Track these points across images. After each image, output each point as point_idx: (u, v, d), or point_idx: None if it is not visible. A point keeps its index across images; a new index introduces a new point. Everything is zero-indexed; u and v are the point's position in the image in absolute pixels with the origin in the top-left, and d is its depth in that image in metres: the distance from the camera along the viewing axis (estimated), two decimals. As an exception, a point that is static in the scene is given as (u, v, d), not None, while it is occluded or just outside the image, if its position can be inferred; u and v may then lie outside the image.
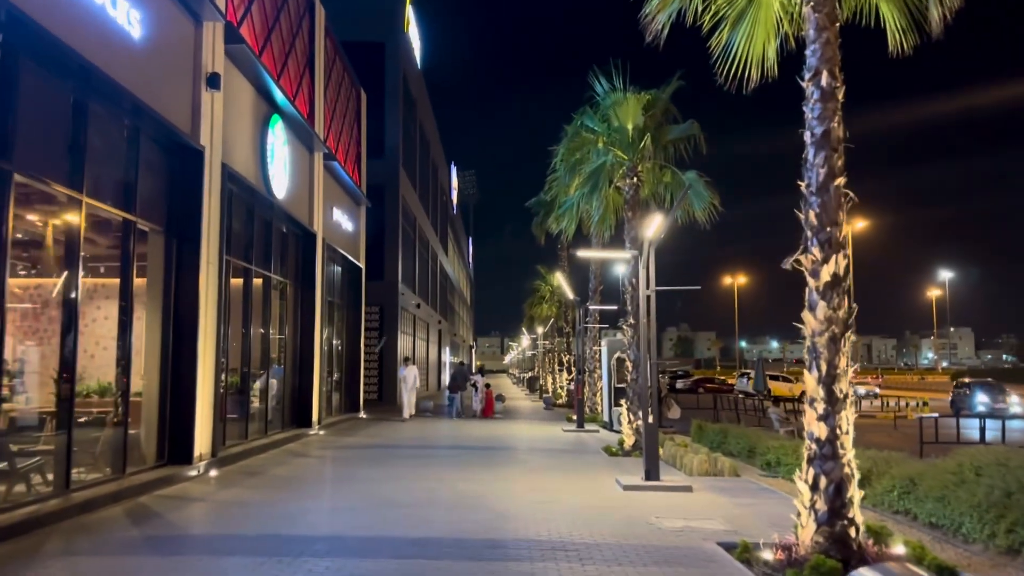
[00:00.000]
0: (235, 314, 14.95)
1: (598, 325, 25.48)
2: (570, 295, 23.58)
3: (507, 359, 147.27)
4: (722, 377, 75.72)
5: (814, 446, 7.30)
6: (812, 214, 7.40)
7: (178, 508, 9.22)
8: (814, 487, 7.23)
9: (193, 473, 11.70)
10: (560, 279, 23.24)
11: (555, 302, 45.51)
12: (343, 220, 22.98)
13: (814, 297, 7.38)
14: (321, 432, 19.11)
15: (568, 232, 16.99)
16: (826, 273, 7.31)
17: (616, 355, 21.18)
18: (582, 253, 14.07)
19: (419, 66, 42.92)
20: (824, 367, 7.27)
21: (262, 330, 16.53)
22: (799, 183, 7.56)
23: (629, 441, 15.76)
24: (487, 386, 28.79)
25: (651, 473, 11.16)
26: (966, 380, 40.57)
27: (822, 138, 7.42)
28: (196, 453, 12.02)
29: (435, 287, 51.91)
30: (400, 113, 35.06)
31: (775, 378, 53.82)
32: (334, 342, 23.04)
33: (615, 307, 23.11)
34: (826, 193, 7.37)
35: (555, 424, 23.55)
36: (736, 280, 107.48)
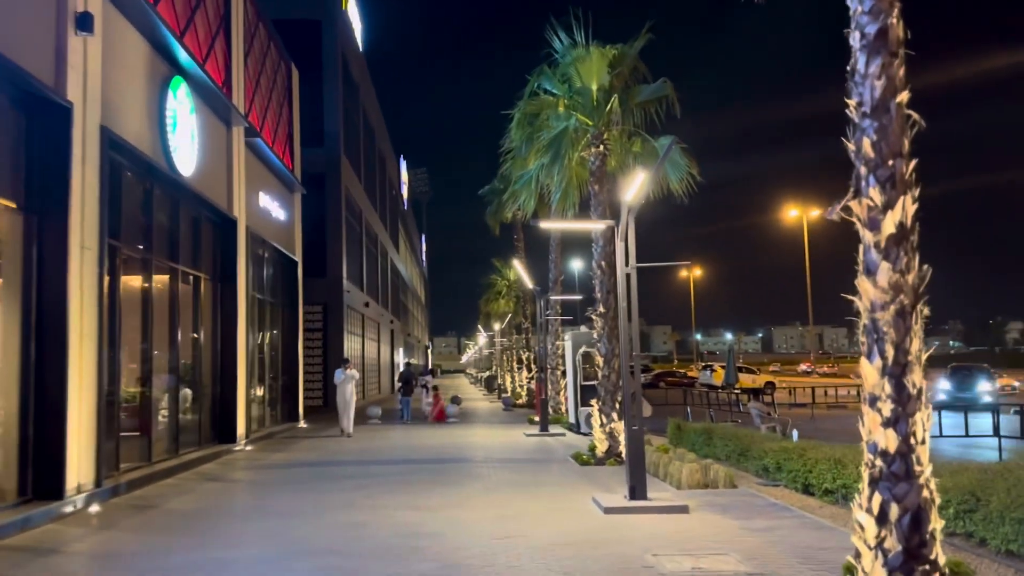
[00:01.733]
0: (131, 313, 12.49)
1: (559, 317, 23.41)
2: (529, 284, 21.50)
3: (464, 358, 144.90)
4: (683, 370, 74.50)
5: (879, 462, 5.26)
6: (867, 143, 5.37)
7: (17, 567, 6.83)
8: (881, 519, 5.19)
9: (67, 510, 9.30)
10: (517, 267, 21.14)
11: (512, 297, 43.39)
12: (273, 208, 20.52)
13: (873, 257, 5.36)
14: (248, 448, 16.68)
15: (527, 210, 14.84)
16: (890, 223, 5.29)
17: (582, 350, 19.12)
18: (546, 224, 11.91)
19: (360, 48, 40.40)
20: (890, 352, 5.24)
21: (170, 332, 14.05)
22: (847, 103, 5.54)
23: (602, 447, 13.70)
24: (435, 388, 26.53)
25: (637, 491, 9.07)
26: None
27: (877, 39, 5.39)
28: (71, 484, 9.60)
29: (386, 285, 49.40)
30: (340, 96, 32.57)
31: (739, 370, 52.50)
32: (265, 345, 20.57)
33: (579, 297, 21.10)
34: (885, 113, 5.35)
35: (516, 427, 21.42)
36: (692, 272, 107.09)
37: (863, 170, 5.41)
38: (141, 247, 12.80)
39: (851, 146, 5.50)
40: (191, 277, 15.25)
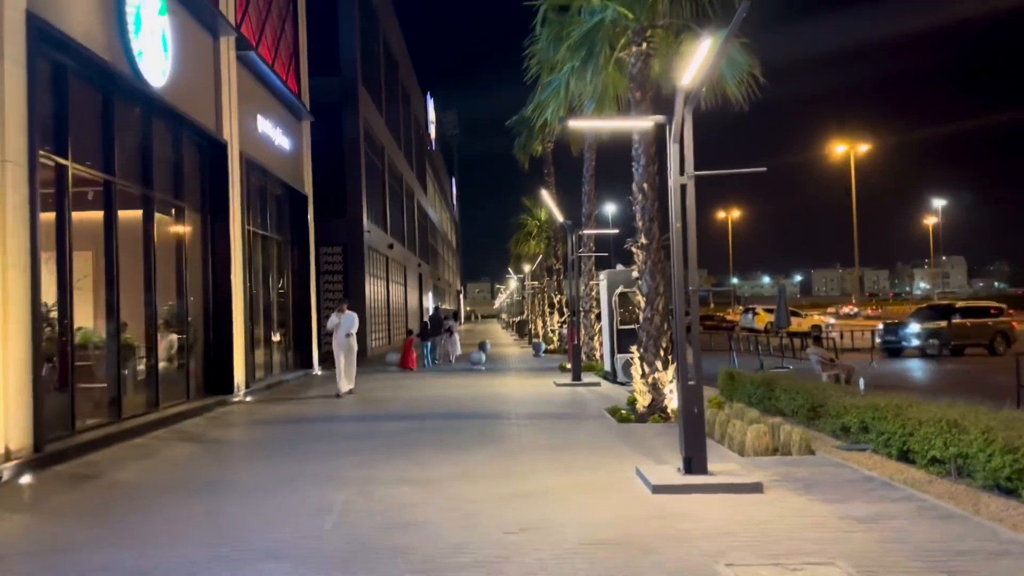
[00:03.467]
0: (90, 246, 10.66)
1: (594, 253, 21.25)
2: (559, 217, 19.34)
3: (497, 304, 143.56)
4: (721, 314, 71.92)
5: None
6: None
7: None
8: None
9: (-7, 480, 7.60)
10: (546, 199, 18.97)
11: (543, 238, 41.13)
12: (276, 136, 18.49)
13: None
14: (248, 399, 14.99)
15: (554, 123, 12.60)
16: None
17: (619, 290, 17.01)
18: (577, 123, 9.64)
19: (379, -28, 37.67)
20: None
21: (145, 269, 12.23)
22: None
23: (643, 400, 11.68)
24: (410, 332, 24.79)
25: (694, 463, 7.04)
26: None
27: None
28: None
29: (412, 227, 47.46)
30: (357, 21, 30.14)
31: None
32: (271, 286, 18.77)
33: (615, 231, 18.91)
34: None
35: (546, 376, 19.51)
36: (730, 214, 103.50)
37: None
38: (99, 168, 10.87)
39: None
40: (172, 207, 13.37)
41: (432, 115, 64.98)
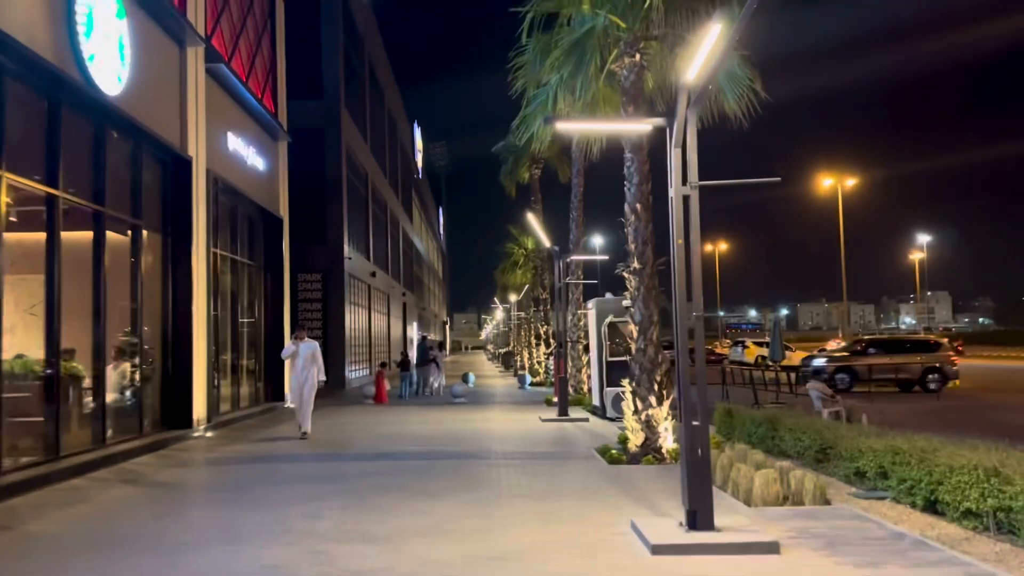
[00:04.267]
0: (26, 265, 9.66)
1: (582, 281, 20.37)
2: (546, 242, 18.48)
3: (484, 334, 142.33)
4: (709, 346, 70.96)
5: None
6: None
7: None
8: None
9: None
10: (533, 223, 18.08)
11: (530, 268, 40.28)
12: (249, 155, 17.57)
13: None
14: (208, 434, 13.89)
15: (541, 139, 11.76)
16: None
17: (608, 320, 16.09)
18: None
19: (366, -2, 37.19)
20: None
21: (94, 293, 11.21)
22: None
23: (636, 439, 10.71)
24: (382, 365, 23.93)
25: (699, 518, 6.06)
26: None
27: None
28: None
29: (397, 255, 46.55)
30: (340, 44, 29.49)
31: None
32: (240, 313, 17.74)
33: (604, 257, 18.06)
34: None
35: (531, 410, 18.50)
36: (717, 247, 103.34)
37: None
38: (41, 180, 9.90)
39: None
40: (127, 226, 12.38)
41: (419, 143, 64.39)
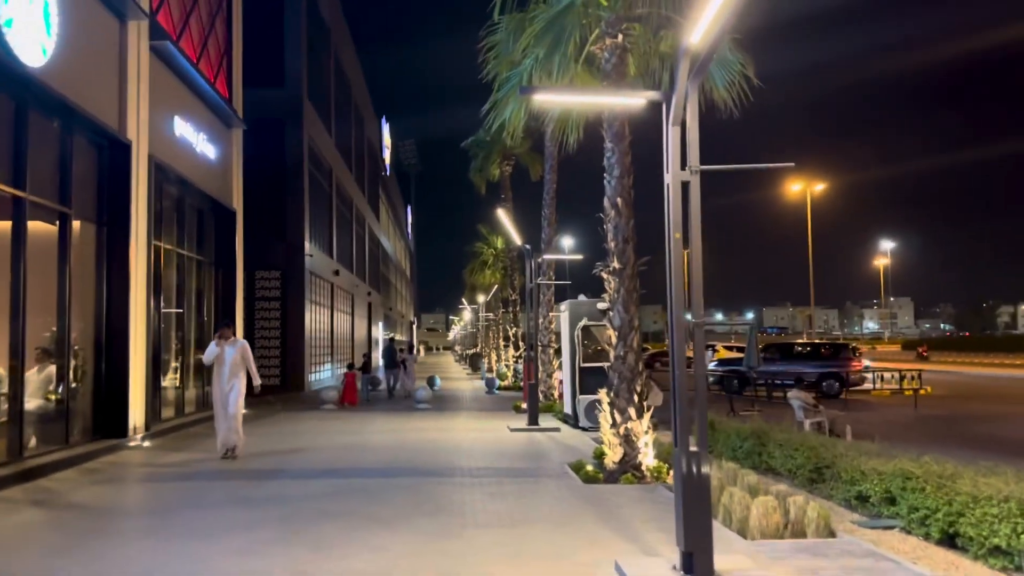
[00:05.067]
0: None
1: (553, 281, 19.41)
2: (516, 239, 17.52)
3: (451, 335, 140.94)
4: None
5: None
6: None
7: None
8: None
9: None
10: (503, 219, 17.05)
11: (499, 268, 39.38)
12: (199, 142, 16.36)
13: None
14: (146, 444, 12.69)
15: (513, 126, 10.76)
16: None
17: (582, 323, 15.17)
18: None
19: (332, -14, 35.91)
20: None
21: (12, 287, 10.00)
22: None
23: (613, 455, 9.78)
24: (350, 367, 23.05)
25: (697, 562, 5.13)
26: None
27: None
28: None
29: (363, 254, 45.26)
30: (303, 31, 28.26)
31: (742, 350, 48.66)
32: (187, 312, 16.51)
33: (579, 256, 17.15)
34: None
35: (499, 417, 17.52)
36: (686, 254, 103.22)
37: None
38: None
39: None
40: (54, 214, 11.17)
41: (387, 139, 63.05)
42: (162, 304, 14.76)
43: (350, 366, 23.59)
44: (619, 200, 9.96)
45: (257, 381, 11.54)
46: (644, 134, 10.39)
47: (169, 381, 15.44)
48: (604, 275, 10.21)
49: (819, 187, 70.28)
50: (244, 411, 18.33)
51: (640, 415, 9.80)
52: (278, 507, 7.82)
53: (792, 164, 5.75)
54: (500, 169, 28.06)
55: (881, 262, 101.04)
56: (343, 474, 9.93)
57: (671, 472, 9.38)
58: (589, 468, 9.80)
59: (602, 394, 10.23)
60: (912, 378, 31.24)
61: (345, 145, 38.65)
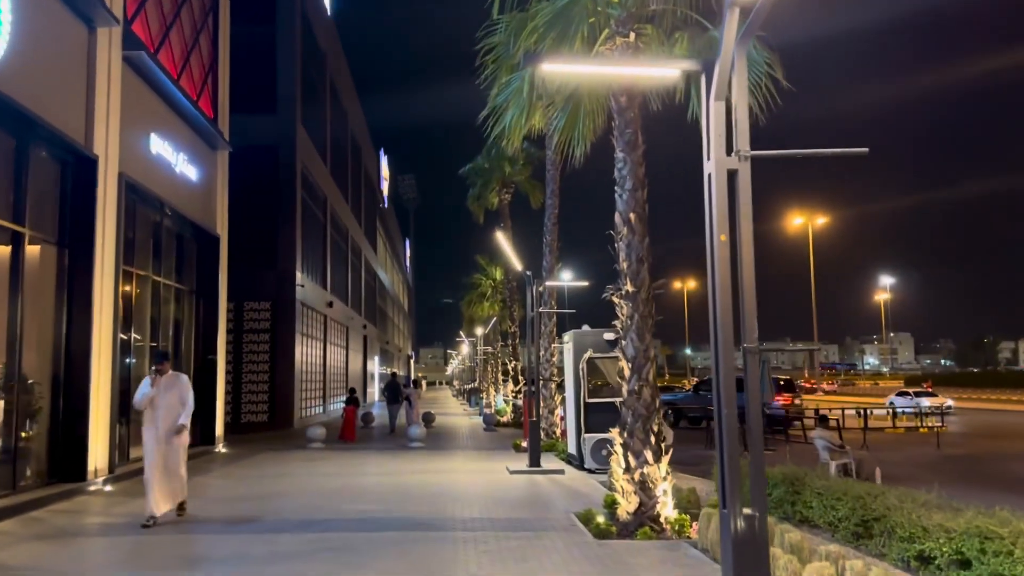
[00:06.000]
0: None
1: (555, 310, 18.29)
2: (517, 265, 16.42)
3: (450, 370, 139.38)
4: (678, 385, 69.02)
5: None
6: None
7: None
8: None
9: None
10: (503, 243, 15.95)
11: (498, 299, 38.28)
12: (179, 162, 15.36)
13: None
14: (108, 488, 11.47)
15: (514, 135, 9.72)
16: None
17: (587, 355, 14.02)
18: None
19: (328, 12, 35.34)
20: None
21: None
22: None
23: (627, 504, 8.59)
24: (348, 401, 22.10)
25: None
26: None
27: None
28: None
29: (358, 286, 44.17)
30: (298, 56, 27.49)
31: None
32: (160, 342, 15.35)
33: (584, 282, 16.07)
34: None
35: (498, 456, 16.29)
36: (686, 284, 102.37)
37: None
38: None
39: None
40: (8, 235, 10.10)
41: (385, 171, 62.37)
42: (133, 335, 13.63)
43: (349, 401, 22.52)
44: (632, 216, 8.90)
45: (183, 421, 9.01)
46: (659, 140, 9.41)
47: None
48: (615, 299, 9.11)
49: (821, 220, 69.75)
50: (224, 450, 17.19)
51: (658, 458, 8.64)
52: (237, 568, 6.61)
53: (866, 150, 4.66)
54: (499, 197, 27.12)
55: (881, 297, 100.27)
56: (321, 526, 8.72)
57: (694, 525, 8.21)
58: (600, 520, 8.60)
59: (614, 434, 9.06)
60: (938, 413, 29.88)
61: (341, 174, 37.79)
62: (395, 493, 11.26)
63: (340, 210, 36.98)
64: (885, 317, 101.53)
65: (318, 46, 31.87)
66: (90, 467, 11.32)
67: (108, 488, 11.49)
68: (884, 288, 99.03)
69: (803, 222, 67.80)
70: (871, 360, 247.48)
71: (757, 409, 4.14)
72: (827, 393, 75.55)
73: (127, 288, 13.22)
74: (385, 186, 62.55)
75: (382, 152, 60.79)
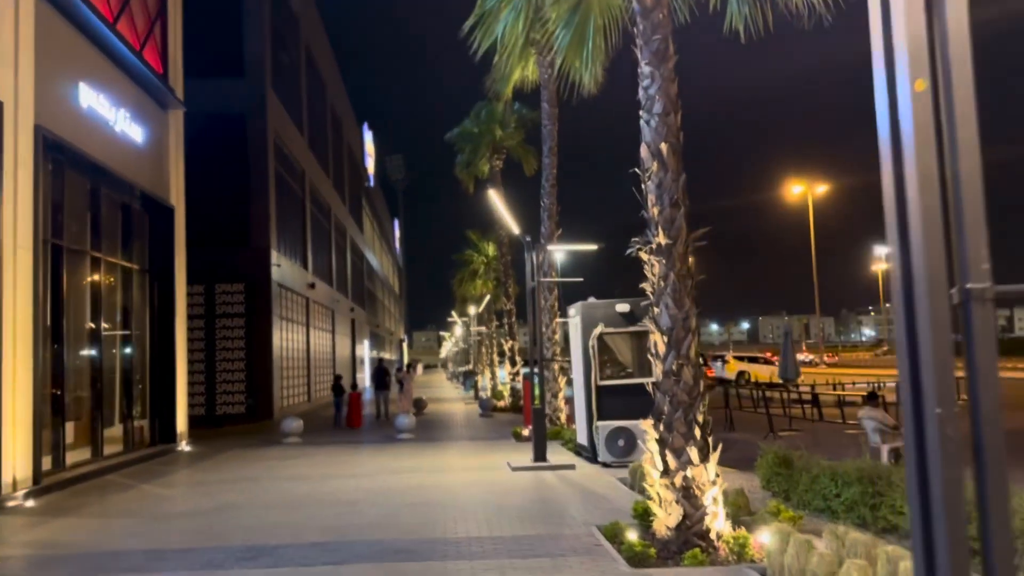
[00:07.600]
0: None
1: (559, 279, 16.28)
2: (513, 228, 14.37)
3: (443, 353, 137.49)
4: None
5: None
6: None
7: None
8: None
9: None
10: (496, 202, 13.88)
11: (491, 277, 36.26)
12: (119, 120, 13.26)
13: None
14: (28, 503, 9.50)
15: (511, 44, 7.68)
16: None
17: (598, 330, 12.06)
18: None
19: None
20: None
21: None
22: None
23: (667, 517, 6.67)
24: (354, 388, 20.44)
25: None
26: None
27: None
28: None
29: (344, 267, 42.07)
30: (266, 16, 25.24)
31: (754, 360, 45.57)
32: (103, 329, 13.34)
33: (593, 246, 14.08)
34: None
35: (497, 449, 14.39)
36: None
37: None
38: None
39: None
40: None
41: (370, 147, 59.98)
42: (64, 322, 11.61)
43: (354, 387, 21.05)
44: (664, 146, 6.92)
45: None
46: (694, 48, 7.44)
47: (79, 416, 12.26)
48: (644, 255, 7.13)
49: (821, 189, 67.78)
50: (188, 449, 15.26)
51: (705, 457, 6.72)
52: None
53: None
54: (490, 164, 25.05)
55: (879, 267, 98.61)
56: (272, 555, 6.77)
57: (752, 542, 6.31)
58: (632, 538, 6.67)
59: (645, 425, 7.12)
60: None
61: (321, 148, 35.60)
62: (373, 503, 9.31)
63: (321, 186, 34.84)
64: (873, 288, 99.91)
65: (290, 8, 29.60)
66: (5, 479, 9.36)
67: (29, 503, 9.53)
68: (880, 258, 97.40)
69: (802, 191, 65.84)
70: (868, 332, 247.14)
71: (994, 406, 2.18)
72: (829, 366, 74.12)
73: (55, 266, 11.18)
74: (370, 163, 60.22)
75: (366, 127, 58.43)
